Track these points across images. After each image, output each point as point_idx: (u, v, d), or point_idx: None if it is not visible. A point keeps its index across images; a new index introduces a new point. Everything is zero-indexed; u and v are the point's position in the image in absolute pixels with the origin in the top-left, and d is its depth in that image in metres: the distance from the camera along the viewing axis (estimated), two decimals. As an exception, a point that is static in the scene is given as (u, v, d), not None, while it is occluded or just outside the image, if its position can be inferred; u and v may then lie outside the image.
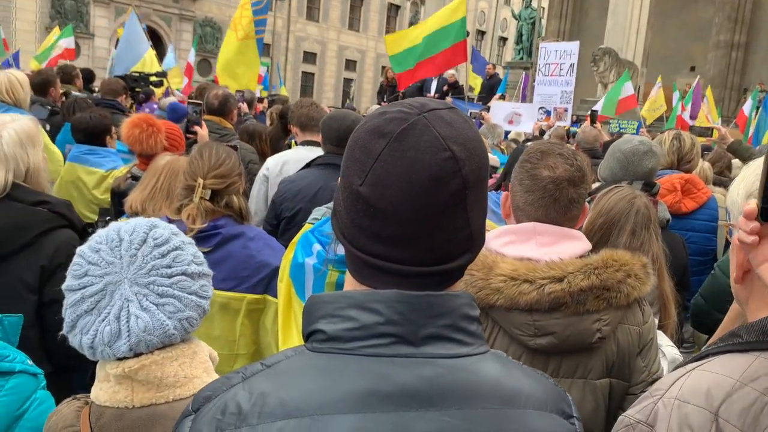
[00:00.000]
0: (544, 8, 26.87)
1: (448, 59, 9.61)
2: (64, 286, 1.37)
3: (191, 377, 1.36)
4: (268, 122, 7.12)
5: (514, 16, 29.91)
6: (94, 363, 2.90)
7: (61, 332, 1.36)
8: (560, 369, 1.75)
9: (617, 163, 3.27)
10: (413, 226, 0.86)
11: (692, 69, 23.01)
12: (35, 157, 2.36)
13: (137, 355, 1.33)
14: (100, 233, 1.42)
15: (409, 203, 0.84)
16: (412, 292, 0.87)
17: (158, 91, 9.22)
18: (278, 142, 5.52)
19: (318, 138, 4.13)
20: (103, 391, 1.35)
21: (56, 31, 15.80)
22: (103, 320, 1.31)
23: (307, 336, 0.91)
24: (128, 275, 1.34)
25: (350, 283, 0.95)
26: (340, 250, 2.27)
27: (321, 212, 2.49)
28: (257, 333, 2.57)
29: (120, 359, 1.33)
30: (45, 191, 2.44)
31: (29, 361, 1.59)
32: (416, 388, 0.84)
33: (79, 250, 1.40)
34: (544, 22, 26.92)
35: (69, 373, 2.36)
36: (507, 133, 8.21)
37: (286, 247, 2.66)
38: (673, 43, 23.49)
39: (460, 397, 0.85)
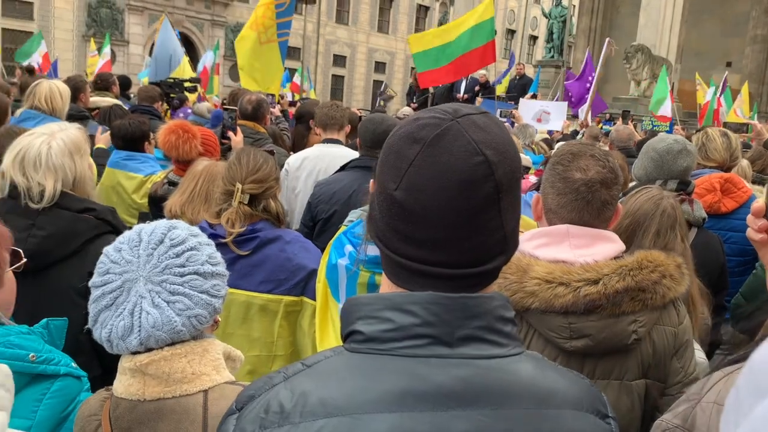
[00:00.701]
0: (575, 6, 26.61)
1: (477, 60, 9.53)
2: (89, 283, 1.44)
3: (199, 374, 1.40)
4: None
5: (544, 14, 29.66)
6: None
7: (86, 326, 1.43)
8: (596, 371, 1.75)
9: (651, 163, 3.24)
10: (447, 229, 0.88)
11: (728, 64, 22.55)
12: (82, 165, 2.42)
13: (148, 349, 1.39)
14: (124, 234, 1.48)
15: (443, 207, 0.87)
16: (447, 294, 0.89)
17: (191, 97, 9.37)
18: (300, 141, 5.59)
19: (338, 136, 4.23)
20: (120, 383, 1.42)
21: (92, 45, 16.29)
22: (119, 315, 1.38)
23: (346, 337, 0.93)
24: (144, 273, 1.40)
25: (386, 286, 0.97)
26: (371, 251, 2.31)
27: (356, 214, 2.52)
28: (294, 335, 2.62)
29: (134, 353, 1.39)
30: (90, 198, 2.49)
31: (73, 364, 1.63)
32: (452, 388, 0.85)
33: (105, 249, 1.47)
34: (575, 19, 26.65)
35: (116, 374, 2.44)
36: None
37: (321, 249, 2.71)
38: (708, 39, 23.06)
39: (496, 397, 0.87)
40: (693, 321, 2.37)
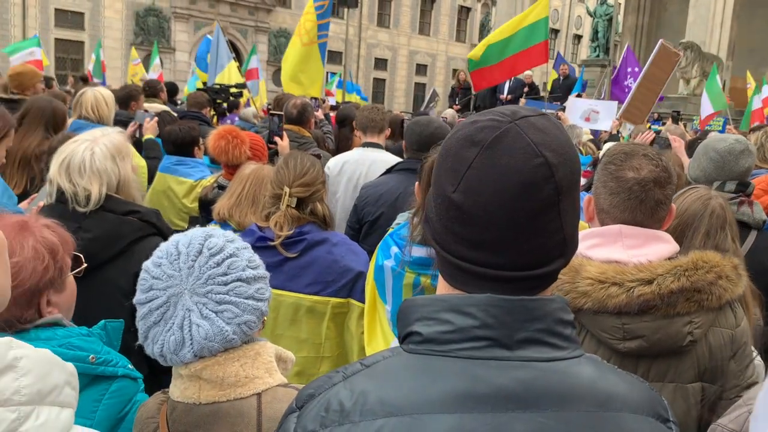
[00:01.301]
0: (620, 3, 26.15)
1: (528, 59, 9.48)
2: (134, 300, 1.46)
3: (252, 377, 1.42)
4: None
5: (589, 13, 29.19)
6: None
7: (137, 342, 1.45)
8: (650, 372, 1.72)
9: (711, 163, 3.15)
10: (506, 231, 0.87)
11: (782, 61, 21.84)
12: (125, 169, 2.49)
13: (201, 357, 1.41)
14: (161, 248, 1.49)
15: (503, 209, 0.86)
16: (506, 296, 0.89)
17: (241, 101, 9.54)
18: (345, 144, 5.64)
19: (377, 139, 4.26)
20: (176, 387, 1.44)
21: (134, 53, 16.58)
22: (169, 330, 1.39)
23: (403, 338, 0.93)
24: (188, 286, 1.41)
25: (443, 287, 0.97)
26: (416, 252, 2.31)
27: (405, 217, 2.54)
28: (342, 336, 2.64)
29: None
30: (135, 201, 2.56)
31: (130, 366, 1.68)
32: (512, 390, 0.85)
33: (144, 265, 1.48)
34: (620, 17, 26.18)
35: (161, 375, 2.50)
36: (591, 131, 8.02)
37: (367, 251, 2.73)
38: (760, 35, 22.36)
39: (556, 399, 0.86)
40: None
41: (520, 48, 9.28)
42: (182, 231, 4.10)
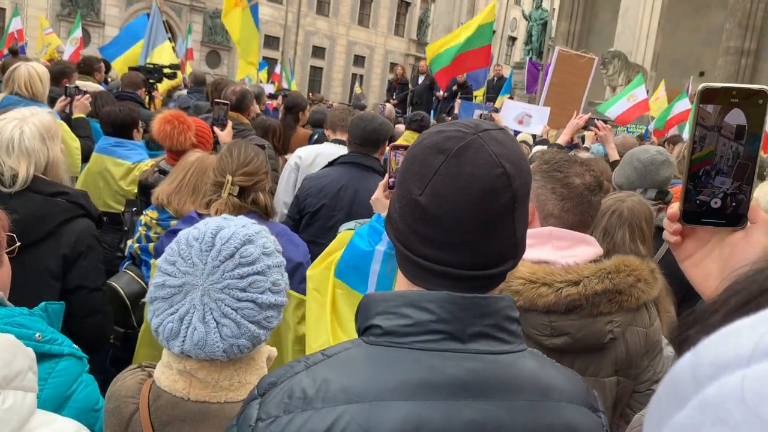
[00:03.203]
0: (555, 9, 26.87)
1: (473, 60, 10.08)
2: (158, 261, 1.43)
3: (245, 383, 1.43)
4: (280, 117, 7.21)
5: (524, 16, 29.85)
6: (115, 347, 2.96)
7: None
8: (573, 367, 1.82)
9: (634, 172, 3.37)
10: (466, 233, 0.96)
11: (701, 74, 23.00)
12: (54, 150, 2.44)
13: (188, 356, 1.39)
14: (202, 227, 1.44)
15: (464, 213, 0.95)
16: (461, 293, 0.97)
17: (171, 83, 9.29)
18: (288, 132, 5.65)
19: (345, 137, 4.31)
20: (165, 376, 1.43)
21: (43, 21, 15.56)
22: (171, 315, 1.38)
23: (363, 330, 1.00)
24: (204, 283, 1.38)
25: (402, 284, 1.05)
26: None
27: (351, 226, 2.55)
28: (278, 327, 2.66)
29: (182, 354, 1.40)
30: (63, 183, 2.51)
31: (74, 345, 1.67)
32: (464, 379, 0.93)
33: (182, 233, 1.45)
34: (554, 23, 26.91)
35: (92, 356, 2.47)
36: (516, 133, 8.24)
37: (307, 242, 2.75)
38: (683, 48, 23.48)
39: (503, 389, 0.95)
40: (661, 320, 2.49)
41: (467, 48, 9.84)
42: (117, 213, 4.02)
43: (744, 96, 0.87)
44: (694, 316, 0.56)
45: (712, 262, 0.94)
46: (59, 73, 5.54)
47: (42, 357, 1.55)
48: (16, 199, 2.29)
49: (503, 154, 0.96)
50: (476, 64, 10.42)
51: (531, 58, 22.92)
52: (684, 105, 12.07)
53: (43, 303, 1.72)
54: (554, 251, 1.86)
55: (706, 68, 23.40)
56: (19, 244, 1.73)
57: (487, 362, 0.96)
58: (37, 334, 1.54)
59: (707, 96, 0.88)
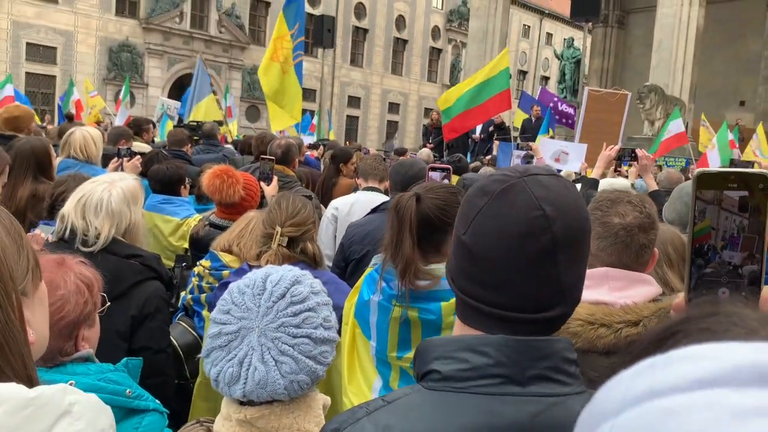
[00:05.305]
0: (587, 47, 26.95)
1: (493, 107, 10.12)
2: (211, 314, 1.48)
3: (304, 431, 1.43)
4: (322, 167, 7.34)
5: (556, 56, 30.04)
6: (173, 405, 3.00)
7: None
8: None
9: (685, 207, 3.30)
10: (506, 274, 0.97)
11: (742, 104, 22.68)
12: (136, 213, 2.55)
13: (250, 400, 1.42)
14: (252, 276, 1.50)
15: (504, 254, 0.96)
16: (517, 337, 0.97)
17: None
18: (329, 182, 5.74)
19: (377, 184, 4.35)
20: (225, 428, 1.44)
21: (88, 85, 16.21)
22: (230, 360, 1.41)
23: (422, 376, 1.01)
24: (260, 325, 1.42)
25: (459, 328, 1.06)
26: (395, 286, 2.37)
27: (380, 258, 2.60)
28: (329, 374, 2.66)
29: (242, 404, 1.43)
30: (141, 246, 2.60)
31: (157, 401, 1.70)
32: (525, 423, 0.93)
33: (232, 284, 1.51)
34: (587, 60, 26.98)
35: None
36: (558, 171, 8.21)
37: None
38: (721, 78, 23.21)
39: (564, 431, 0.94)
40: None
41: (484, 98, 9.91)
42: (169, 269, 4.08)
43: (742, 179, 0.80)
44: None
45: None
46: (117, 136, 5.82)
47: (130, 412, 1.59)
48: (93, 259, 2.37)
49: (545, 197, 0.97)
50: (498, 110, 10.52)
51: (565, 97, 22.99)
52: (677, 126, 11.63)
53: (124, 359, 1.76)
54: (611, 292, 1.83)
55: (746, 97, 23.05)
56: (109, 304, 1.79)
57: (546, 405, 0.95)
58: (128, 390, 1.57)
59: (703, 183, 0.82)
